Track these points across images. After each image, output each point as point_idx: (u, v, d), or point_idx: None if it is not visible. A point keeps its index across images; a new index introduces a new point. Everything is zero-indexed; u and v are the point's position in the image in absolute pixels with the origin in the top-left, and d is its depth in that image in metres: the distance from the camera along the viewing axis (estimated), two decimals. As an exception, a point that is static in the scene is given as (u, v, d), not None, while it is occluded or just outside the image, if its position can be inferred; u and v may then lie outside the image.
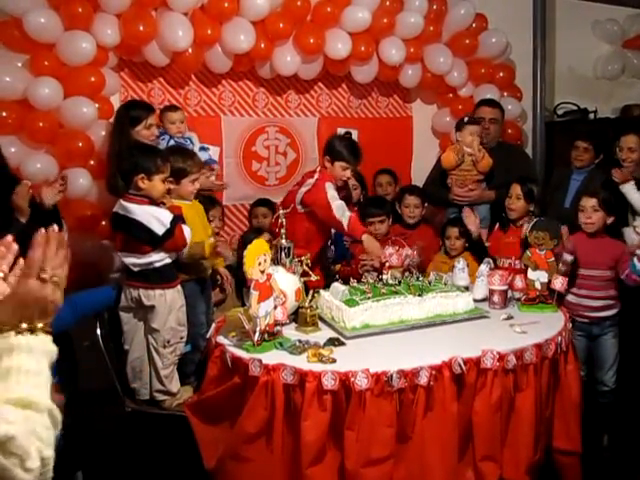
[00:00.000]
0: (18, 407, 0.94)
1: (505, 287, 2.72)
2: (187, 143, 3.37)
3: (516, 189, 3.26)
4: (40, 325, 1.07)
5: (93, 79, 3.41)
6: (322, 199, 3.12)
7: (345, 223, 3.06)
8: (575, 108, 4.91)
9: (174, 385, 2.74)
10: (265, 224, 3.73)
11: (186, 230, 2.65)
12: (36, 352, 1.04)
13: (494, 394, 2.10)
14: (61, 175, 2.88)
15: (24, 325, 1.05)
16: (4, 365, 1.00)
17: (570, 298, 2.99)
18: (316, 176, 3.26)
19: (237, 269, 3.22)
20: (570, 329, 2.50)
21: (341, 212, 3.08)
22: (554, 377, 2.36)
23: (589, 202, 2.93)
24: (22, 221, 2.57)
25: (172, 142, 3.31)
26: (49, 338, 1.08)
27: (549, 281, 2.70)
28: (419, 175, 4.35)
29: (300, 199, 3.26)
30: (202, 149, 3.50)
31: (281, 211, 2.69)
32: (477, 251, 3.30)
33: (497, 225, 3.40)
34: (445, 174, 3.76)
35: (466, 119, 3.68)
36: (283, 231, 2.59)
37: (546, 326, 2.43)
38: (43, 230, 1.13)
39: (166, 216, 2.60)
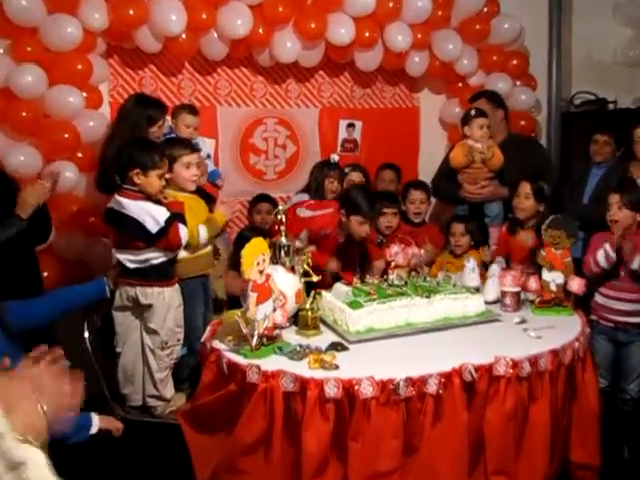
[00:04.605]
0: None
1: (518, 288, 2.72)
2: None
3: (525, 187, 3.24)
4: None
5: (80, 66, 3.39)
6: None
7: None
8: (593, 98, 4.87)
9: (168, 390, 2.74)
10: (269, 222, 3.72)
11: (182, 230, 2.64)
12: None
13: (507, 403, 2.09)
14: (51, 172, 2.88)
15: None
16: None
17: (597, 298, 2.94)
18: (311, 213, 3.21)
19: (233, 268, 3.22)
20: (588, 334, 2.50)
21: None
22: (571, 385, 2.35)
23: (613, 198, 2.88)
24: (23, 217, 2.60)
25: None
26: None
27: (565, 282, 2.69)
28: (426, 169, 4.34)
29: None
30: (208, 157, 3.49)
31: (280, 207, 2.68)
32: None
33: (504, 227, 3.38)
34: (455, 169, 3.75)
35: (473, 112, 3.65)
36: (283, 228, 2.58)
37: (562, 331, 2.42)
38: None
39: (161, 213, 2.60)
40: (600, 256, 2.84)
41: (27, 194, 2.64)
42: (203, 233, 2.84)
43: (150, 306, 2.67)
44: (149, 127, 3.08)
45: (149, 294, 2.66)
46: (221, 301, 3.23)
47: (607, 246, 2.82)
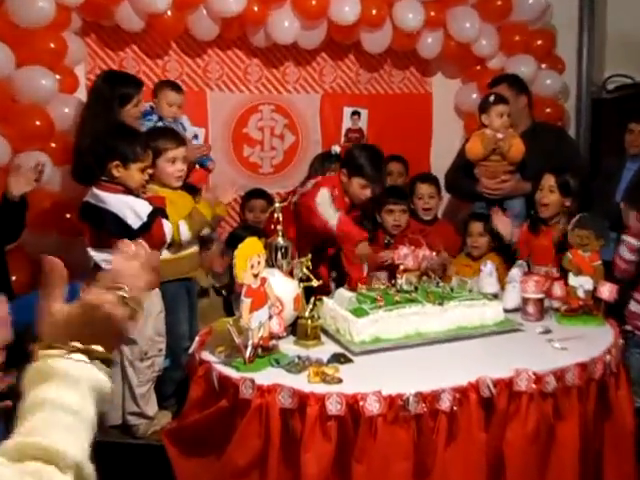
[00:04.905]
0: (37, 461, 0.84)
1: (541, 295, 2.72)
2: (178, 128, 3.37)
3: (549, 180, 3.25)
4: (99, 349, 0.97)
5: (52, 45, 3.42)
6: (309, 201, 3.17)
7: (333, 222, 3.09)
8: (629, 82, 4.87)
9: (150, 407, 2.76)
10: (262, 220, 3.75)
11: (166, 225, 2.67)
12: (83, 383, 0.93)
13: (530, 422, 2.10)
14: (37, 162, 2.91)
15: (77, 344, 0.95)
16: (39, 395, 0.91)
17: (632, 306, 2.96)
18: (319, 179, 3.30)
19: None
20: (621, 346, 2.50)
21: (328, 213, 3.12)
22: (603, 403, 2.35)
23: None
24: None
25: (160, 125, 3.32)
26: (104, 370, 0.98)
27: (594, 288, 2.70)
28: (439, 163, 4.36)
29: (296, 199, 3.31)
30: (195, 138, 3.52)
31: (277, 204, 2.70)
32: (509, 256, 3.29)
33: (524, 225, 3.39)
34: (472, 163, 3.77)
35: (492, 98, 3.67)
36: (280, 228, 2.60)
37: (591, 342, 2.43)
38: (131, 245, 1.08)
39: (144, 207, 2.63)
40: (622, 249, 2.89)
41: None
42: (184, 229, 2.86)
43: None
44: (123, 106, 3.11)
45: None
46: (206, 289, 3.26)
47: (626, 237, 2.87)
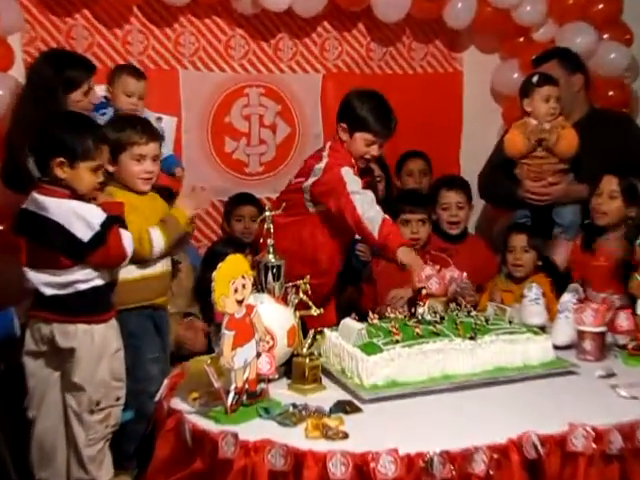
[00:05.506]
0: None
1: (602, 328, 2.72)
2: None
3: (610, 183, 3.26)
4: None
5: (-21, 10, 3.44)
6: (337, 192, 3.14)
7: (375, 228, 3.04)
8: None
9: (105, 472, 2.73)
10: (253, 232, 3.74)
11: (126, 237, 2.65)
12: None
13: (589, 491, 2.10)
14: None
15: None
16: None
17: None
18: (325, 159, 3.27)
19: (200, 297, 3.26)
20: None
21: (368, 209, 3.07)
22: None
23: None
24: None
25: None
26: None
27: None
28: (472, 160, 4.38)
29: (309, 193, 3.28)
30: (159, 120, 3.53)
31: (267, 212, 2.71)
32: (560, 279, 3.27)
33: (577, 239, 3.39)
34: (512, 161, 3.77)
35: (536, 78, 3.68)
36: (270, 242, 2.60)
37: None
38: None
39: (96, 215, 2.61)
40: None
41: None
42: (157, 236, 2.83)
43: (72, 351, 2.64)
44: (68, 93, 3.12)
45: (71, 333, 2.64)
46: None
47: None
